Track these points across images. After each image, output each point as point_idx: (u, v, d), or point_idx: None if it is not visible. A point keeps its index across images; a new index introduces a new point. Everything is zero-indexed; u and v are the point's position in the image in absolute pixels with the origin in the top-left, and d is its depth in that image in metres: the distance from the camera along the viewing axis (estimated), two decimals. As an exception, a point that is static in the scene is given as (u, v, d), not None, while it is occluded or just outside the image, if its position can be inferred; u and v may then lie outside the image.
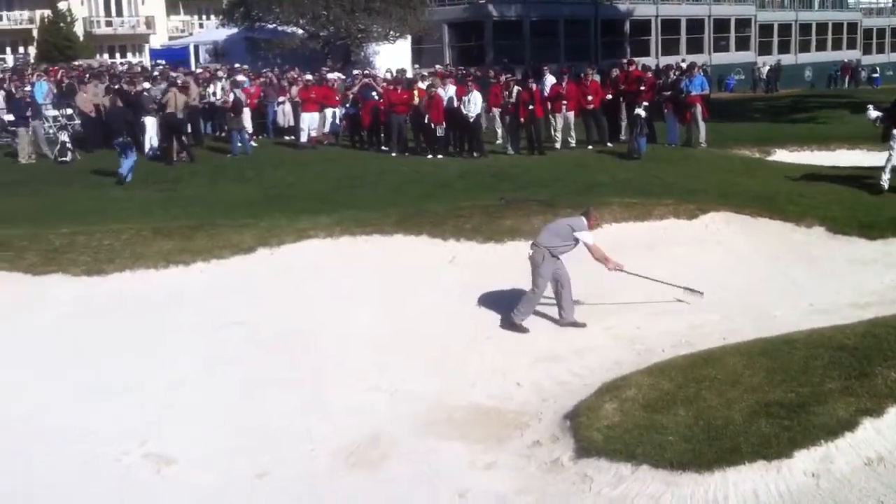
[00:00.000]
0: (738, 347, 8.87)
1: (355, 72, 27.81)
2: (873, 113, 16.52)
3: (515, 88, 20.78)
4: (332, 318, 10.86)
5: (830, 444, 6.81)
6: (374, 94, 22.51)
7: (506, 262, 12.36)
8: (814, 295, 11.13)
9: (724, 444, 6.93)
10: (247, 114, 23.21)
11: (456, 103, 20.47)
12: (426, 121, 20.77)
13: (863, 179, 16.56)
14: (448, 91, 20.87)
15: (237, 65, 30.83)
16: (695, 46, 49.05)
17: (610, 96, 21.44)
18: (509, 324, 10.67)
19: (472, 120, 20.41)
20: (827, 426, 6.95)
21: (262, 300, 11.34)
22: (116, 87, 23.97)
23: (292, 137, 23.73)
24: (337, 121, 24.02)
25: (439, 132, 20.73)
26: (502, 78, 23.02)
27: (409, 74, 27.56)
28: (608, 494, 6.82)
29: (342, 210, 14.36)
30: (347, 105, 23.61)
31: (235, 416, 8.47)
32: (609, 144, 21.06)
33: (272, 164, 20.27)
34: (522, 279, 10.82)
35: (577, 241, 10.44)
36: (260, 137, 24.26)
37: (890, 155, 15.56)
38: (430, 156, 20.77)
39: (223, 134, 23.76)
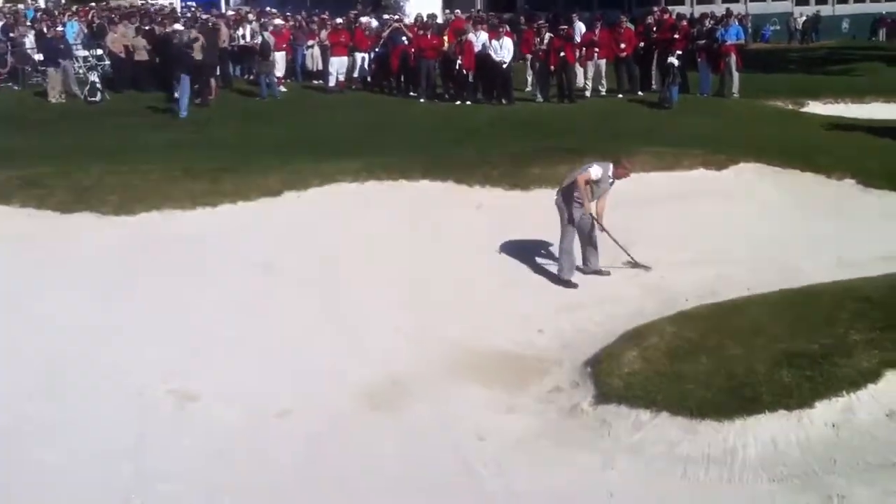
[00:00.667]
0: (762, 298, 8.83)
1: (385, 16, 27.53)
2: None
3: (547, 35, 20.52)
4: (358, 261, 10.88)
5: (852, 395, 6.79)
6: (403, 38, 22.30)
7: (532, 209, 12.30)
8: (843, 248, 10.99)
9: (745, 394, 6.93)
10: (279, 58, 23.12)
11: (488, 49, 20.25)
12: (457, 66, 20.60)
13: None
14: (480, 37, 20.62)
15: (267, 8, 30.66)
16: (731, -5, 47.99)
17: (643, 45, 21.10)
18: (560, 282, 10.50)
19: (504, 66, 20.20)
20: (849, 377, 6.92)
21: (288, 242, 11.37)
22: (147, 27, 23.95)
23: (321, 81, 23.64)
24: (366, 65, 23.86)
25: (470, 78, 20.57)
26: (535, 25, 22.71)
27: (440, 19, 27.25)
28: (626, 440, 6.87)
29: (369, 155, 14.32)
30: (377, 49, 23.43)
31: (260, 355, 8.57)
32: (640, 93, 20.82)
33: (300, 108, 20.26)
34: (549, 227, 10.78)
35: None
36: (288, 81, 24.17)
37: None
38: (458, 102, 20.63)
39: (252, 77, 23.70)
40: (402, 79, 22.73)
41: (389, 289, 10.18)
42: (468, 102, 20.48)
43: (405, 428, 7.39)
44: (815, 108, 20.81)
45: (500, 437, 7.18)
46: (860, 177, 13.42)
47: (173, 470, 6.71)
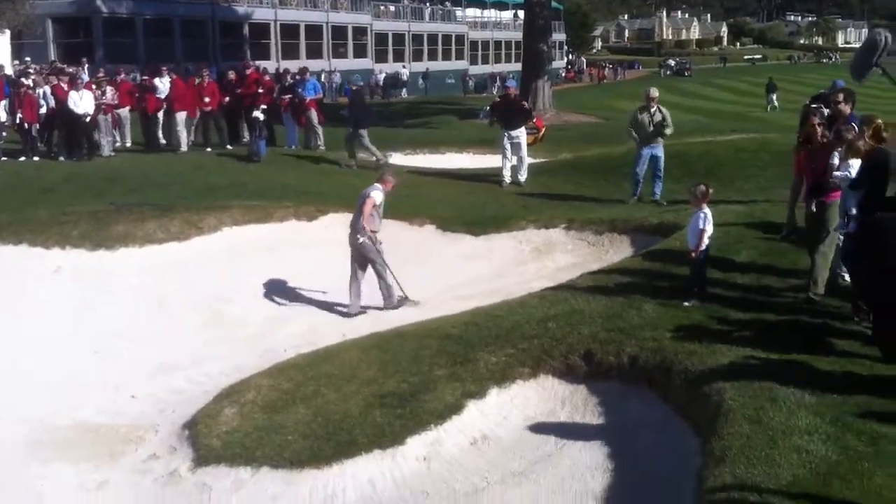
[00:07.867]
0: (354, 343, 9.13)
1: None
2: (484, 117, 17.99)
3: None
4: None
5: (440, 427, 7.24)
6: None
7: (118, 269, 11.71)
8: (425, 290, 11.71)
9: (341, 438, 7.09)
10: None
11: (53, 102, 19.03)
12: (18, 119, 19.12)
13: (470, 180, 17.91)
14: (45, 89, 19.29)
15: None
16: (314, 52, 49.90)
17: (228, 98, 21.09)
18: (391, 307, 11.04)
19: (87, 119, 19.10)
20: (436, 411, 7.37)
21: None
22: None
23: None
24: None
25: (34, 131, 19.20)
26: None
27: (9, 70, 25.21)
28: (227, 501, 6.70)
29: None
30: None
31: None
32: (229, 147, 20.74)
33: None
34: (136, 285, 10.29)
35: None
36: None
37: (504, 156, 17.22)
38: (23, 158, 19.07)
39: None
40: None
41: (-44, 369, 9.08)
42: (35, 158, 19.02)
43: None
44: (398, 159, 22.08)
45: (90, 517, 6.67)
46: (438, 222, 14.35)
47: None
